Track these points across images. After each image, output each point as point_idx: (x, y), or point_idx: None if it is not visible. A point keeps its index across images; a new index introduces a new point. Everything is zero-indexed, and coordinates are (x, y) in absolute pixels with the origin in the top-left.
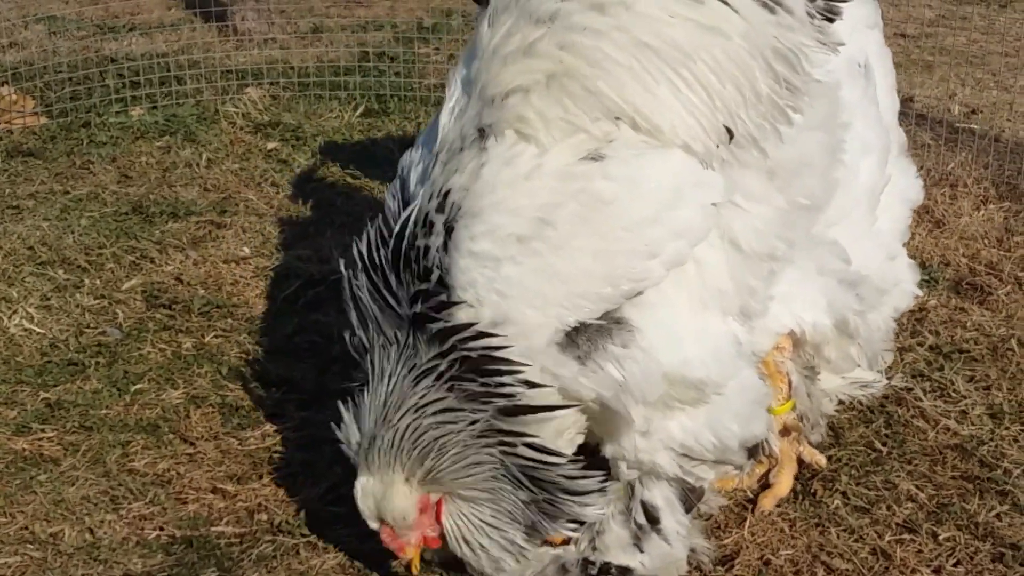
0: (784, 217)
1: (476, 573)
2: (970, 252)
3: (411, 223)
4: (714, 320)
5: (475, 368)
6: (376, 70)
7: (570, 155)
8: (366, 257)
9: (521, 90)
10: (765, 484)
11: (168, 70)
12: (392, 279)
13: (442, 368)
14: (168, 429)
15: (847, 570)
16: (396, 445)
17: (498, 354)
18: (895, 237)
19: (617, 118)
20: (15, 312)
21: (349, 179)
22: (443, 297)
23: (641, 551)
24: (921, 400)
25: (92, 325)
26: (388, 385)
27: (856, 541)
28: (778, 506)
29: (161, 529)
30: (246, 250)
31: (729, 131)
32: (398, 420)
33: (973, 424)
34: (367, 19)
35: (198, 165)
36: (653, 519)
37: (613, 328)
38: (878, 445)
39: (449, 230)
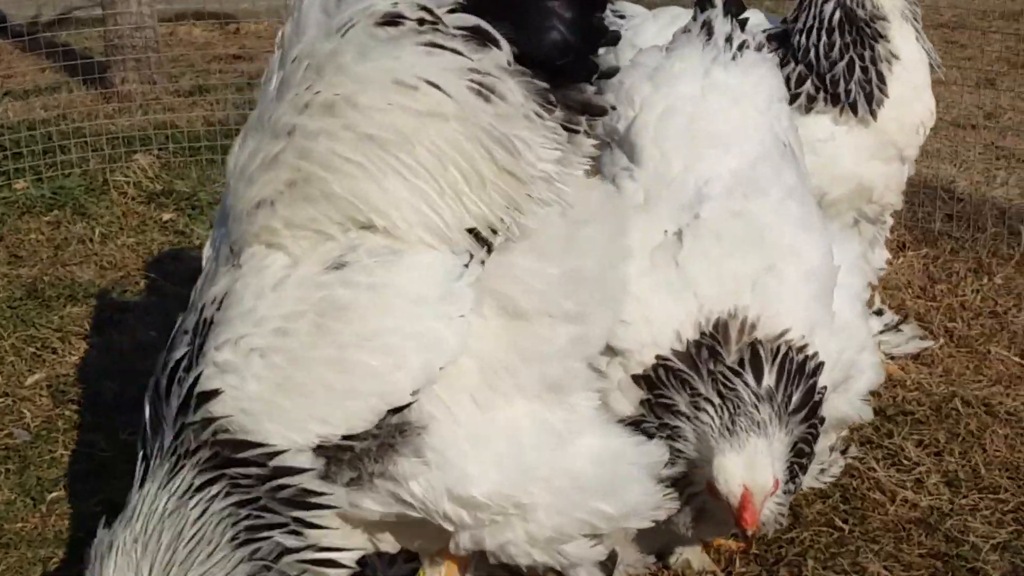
0: (566, 281)
1: None
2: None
3: (171, 343)
4: (510, 411)
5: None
6: None
7: (317, 264)
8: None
9: (267, 203)
10: None
11: (51, 139)
12: (162, 397)
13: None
14: (89, 538)
15: None
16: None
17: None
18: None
19: (361, 224)
20: None
21: None
22: (197, 413)
23: None
24: (875, 470)
25: (1, 427)
26: (145, 499)
27: None
28: None
29: None
30: (152, 334)
31: (474, 232)
32: (148, 534)
33: (931, 494)
34: (251, 74)
35: (91, 241)
36: None
37: (398, 440)
38: (839, 523)
39: (200, 344)
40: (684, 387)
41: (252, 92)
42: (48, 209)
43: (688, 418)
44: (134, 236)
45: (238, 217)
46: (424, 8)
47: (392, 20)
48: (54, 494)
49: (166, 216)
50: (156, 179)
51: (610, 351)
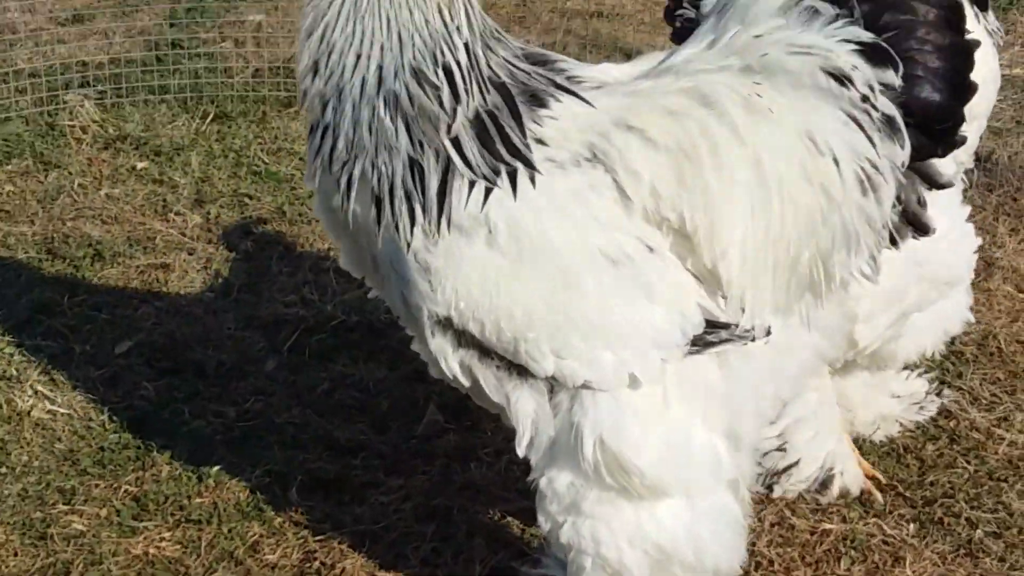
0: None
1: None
2: None
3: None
4: (693, 420)
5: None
6: (180, 60)
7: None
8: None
9: (642, 135)
10: None
11: None
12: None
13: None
14: (273, 512)
15: None
16: None
17: None
18: None
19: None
20: (24, 391)
21: (247, 199)
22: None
23: None
24: (967, 411)
25: (115, 398)
26: None
27: (1011, 569)
28: (922, 539)
29: None
30: (211, 295)
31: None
32: None
33: (1021, 432)
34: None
35: (76, 194)
36: None
37: None
38: (963, 463)
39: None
40: None
41: (134, 20)
42: (7, 158)
43: None
44: (116, 187)
45: (618, 121)
46: (871, 87)
47: (840, 79)
48: (214, 469)
49: (139, 164)
50: (102, 122)
51: None
